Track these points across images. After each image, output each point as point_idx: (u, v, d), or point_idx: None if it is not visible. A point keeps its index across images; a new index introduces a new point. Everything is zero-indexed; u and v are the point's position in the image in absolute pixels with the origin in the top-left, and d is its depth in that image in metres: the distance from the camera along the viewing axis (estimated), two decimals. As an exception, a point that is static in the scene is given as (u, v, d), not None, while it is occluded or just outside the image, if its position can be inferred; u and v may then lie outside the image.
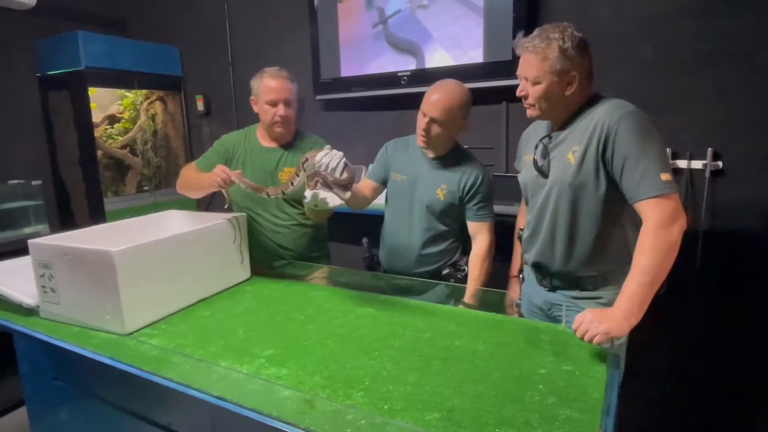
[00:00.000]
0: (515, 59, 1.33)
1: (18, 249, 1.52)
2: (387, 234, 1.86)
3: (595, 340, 1.07)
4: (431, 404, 0.93)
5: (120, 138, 3.38)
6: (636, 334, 1.26)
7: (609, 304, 1.19)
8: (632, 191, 1.19)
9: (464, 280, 1.77)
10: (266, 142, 1.89)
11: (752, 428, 1.98)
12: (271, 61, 3.02)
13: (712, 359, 2.00)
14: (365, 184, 1.87)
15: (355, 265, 2.06)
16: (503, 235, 1.76)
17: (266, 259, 1.87)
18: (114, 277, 1.23)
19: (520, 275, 1.63)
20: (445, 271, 1.77)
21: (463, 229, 1.76)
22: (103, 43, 3.06)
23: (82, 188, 3.17)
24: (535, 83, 1.27)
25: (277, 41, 3.08)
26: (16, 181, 2.93)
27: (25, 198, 2.94)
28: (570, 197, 1.29)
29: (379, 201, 1.91)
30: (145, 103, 3.49)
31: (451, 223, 1.74)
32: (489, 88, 2.28)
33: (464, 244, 1.78)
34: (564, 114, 1.32)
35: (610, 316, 1.10)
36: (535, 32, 1.27)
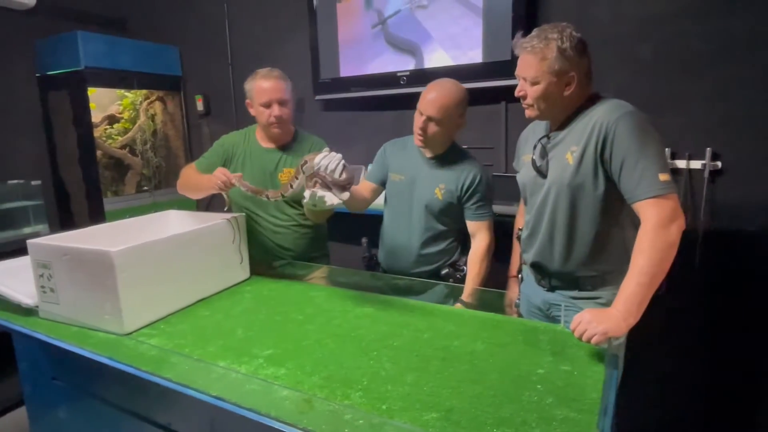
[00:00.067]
0: (514, 59, 1.32)
1: (17, 249, 1.52)
2: (386, 234, 1.86)
3: (593, 341, 1.07)
4: (429, 404, 0.93)
5: (119, 138, 3.38)
6: (635, 334, 1.26)
7: (608, 304, 1.19)
8: (631, 191, 1.19)
9: (463, 280, 1.77)
10: (265, 143, 1.89)
11: (752, 428, 1.98)
12: (271, 60, 3.02)
13: (712, 359, 2.00)
14: (364, 185, 1.87)
15: (354, 265, 2.06)
16: (502, 235, 1.76)
17: (266, 259, 1.88)
18: (113, 277, 1.23)
19: (519, 275, 1.64)
20: (444, 271, 1.77)
21: (462, 228, 1.76)
22: (103, 43, 3.06)
23: (82, 188, 3.17)
24: (534, 83, 1.27)
25: (276, 41, 3.08)
26: (15, 181, 2.94)
27: (25, 198, 2.94)
28: (568, 197, 1.29)
29: (379, 201, 1.91)
30: (145, 103, 3.49)
31: (449, 223, 1.75)
32: (488, 88, 2.28)
33: (463, 244, 1.78)
34: (563, 114, 1.32)
35: (609, 317, 1.10)
36: (534, 32, 1.27)
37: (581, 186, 1.27)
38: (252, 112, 1.85)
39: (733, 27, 1.82)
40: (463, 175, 1.69)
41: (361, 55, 2.70)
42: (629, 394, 1.48)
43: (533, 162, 1.38)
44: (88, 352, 1.19)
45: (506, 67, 2.17)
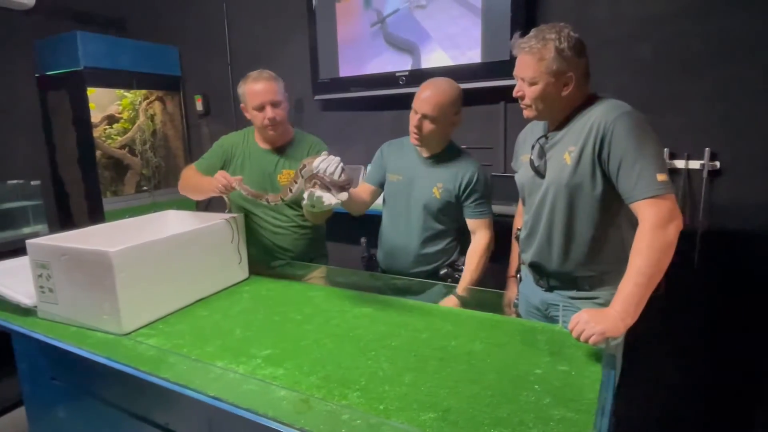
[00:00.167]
0: (513, 59, 1.32)
1: (17, 249, 1.52)
2: (385, 235, 1.87)
3: (591, 341, 1.07)
4: (427, 404, 0.93)
5: (119, 138, 3.38)
6: (634, 335, 1.26)
7: (606, 304, 1.19)
8: (628, 191, 1.19)
9: (462, 280, 1.78)
10: (264, 144, 1.89)
11: (751, 428, 1.98)
12: (270, 60, 3.04)
13: (710, 359, 2.00)
14: (363, 188, 1.87)
15: (353, 265, 2.06)
16: (501, 235, 1.76)
17: (264, 260, 1.88)
18: (111, 277, 1.23)
19: (518, 275, 1.64)
20: (442, 271, 1.77)
21: (461, 228, 1.76)
22: (102, 43, 3.07)
23: (81, 188, 3.17)
24: (532, 84, 1.27)
25: (275, 41, 3.08)
26: (15, 181, 2.94)
27: (24, 198, 2.94)
28: (566, 197, 1.29)
29: (378, 200, 1.91)
30: (144, 103, 3.49)
31: (448, 222, 1.75)
32: (487, 88, 2.29)
33: (462, 243, 1.78)
34: (561, 114, 1.32)
35: (606, 317, 1.10)
36: (532, 33, 1.27)
37: (579, 186, 1.27)
38: (247, 116, 1.84)
39: (732, 27, 1.83)
40: (460, 174, 1.69)
41: (360, 55, 2.70)
42: (628, 394, 1.48)
43: (531, 162, 1.38)
44: (87, 352, 1.19)
45: (505, 67, 2.16)
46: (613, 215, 1.29)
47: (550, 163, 1.33)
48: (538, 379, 1.01)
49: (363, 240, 2.41)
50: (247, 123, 1.97)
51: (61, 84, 3.09)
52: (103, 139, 3.30)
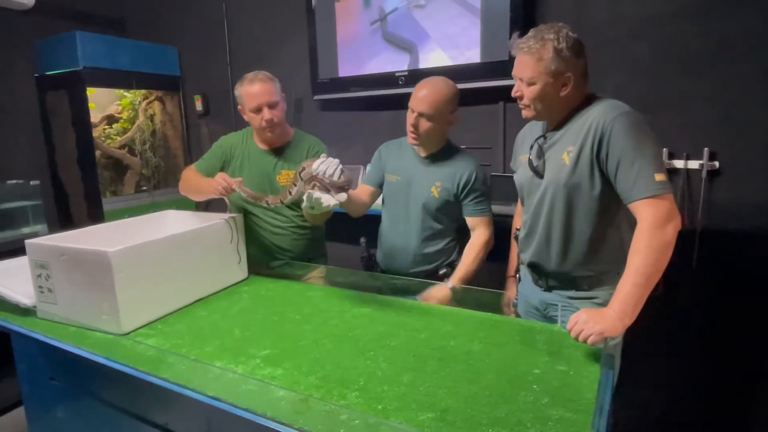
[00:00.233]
0: (512, 59, 1.32)
1: (17, 249, 1.52)
2: (384, 235, 1.87)
3: (589, 341, 1.07)
4: (425, 404, 0.93)
5: (118, 138, 3.38)
6: (632, 335, 1.26)
7: (604, 304, 1.19)
8: (627, 191, 1.19)
9: (462, 280, 1.78)
10: (263, 145, 1.89)
11: (750, 428, 1.98)
12: (270, 60, 3.04)
13: (709, 359, 2.00)
14: (362, 189, 1.87)
15: (353, 265, 2.07)
16: (500, 235, 1.76)
17: (264, 260, 1.88)
18: (110, 277, 1.23)
19: (517, 275, 1.64)
20: (442, 271, 1.77)
21: (460, 228, 1.77)
22: (101, 43, 3.06)
23: (81, 188, 3.17)
24: (530, 84, 1.27)
25: (275, 41, 3.08)
26: (14, 181, 2.93)
27: (24, 198, 2.94)
28: (565, 197, 1.29)
29: (378, 200, 1.92)
30: (144, 103, 3.49)
31: (447, 222, 1.75)
32: (486, 88, 2.29)
33: (461, 243, 1.78)
34: (559, 114, 1.32)
35: (605, 317, 1.10)
36: (530, 33, 1.27)
37: (577, 186, 1.27)
38: (245, 117, 1.84)
39: (731, 27, 1.83)
40: (459, 172, 1.69)
41: (360, 55, 2.70)
42: (626, 394, 1.48)
43: (530, 162, 1.38)
44: (86, 353, 1.19)
45: (504, 67, 2.17)
46: (612, 215, 1.29)
47: (548, 163, 1.33)
48: (536, 379, 1.02)
49: (362, 240, 2.42)
50: (247, 123, 1.97)
51: (60, 84, 3.09)
52: (103, 139, 3.30)
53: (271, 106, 1.76)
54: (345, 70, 2.77)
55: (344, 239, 2.66)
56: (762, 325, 1.89)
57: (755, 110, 1.82)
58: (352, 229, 2.29)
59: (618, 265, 1.20)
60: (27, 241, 1.36)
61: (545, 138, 1.36)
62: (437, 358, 1.12)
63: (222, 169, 1.88)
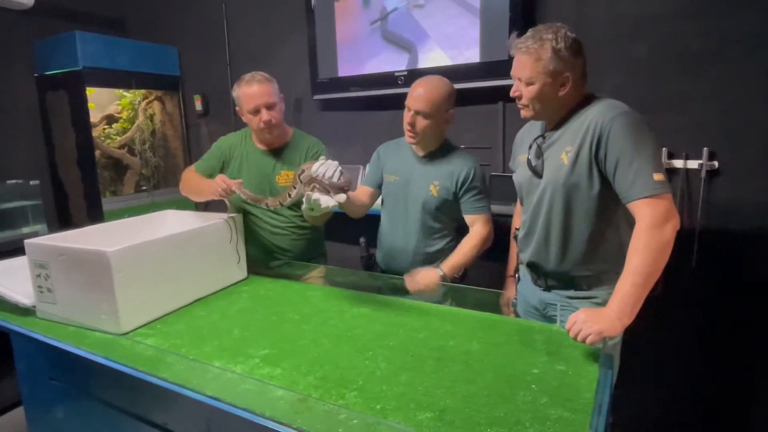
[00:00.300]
0: (512, 59, 1.32)
1: (16, 249, 1.52)
2: (384, 235, 1.87)
3: (588, 340, 1.07)
4: (423, 404, 0.94)
5: (118, 138, 3.38)
6: (631, 334, 1.27)
7: (603, 303, 1.19)
8: (625, 191, 1.19)
9: (461, 280, 1.78)
10: (262, 145, 1.88)
11: (749, 428, 1.98)
12: (269, 60, 3.04)
13: (708, 359, 2.00)
14: (362, 190, 1.88)
15: (353, 265, 2.07)
16: (500, 234, 1.76)
17: (263, 260, 1.88)
18: (110, 277, 1.23)
19: (516, 275, 1.64)
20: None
21: (459, 227, 1.77)
22: (101, 43, 3.06)
23: (80, 188, 3.17)
24: (529, 84, 1.27)
25: (274, 41, 3.08)
26: (14, 181, 2.93)
27: (23, 198, 2.94)
28: (564, 197, 1.29)
29: (378, 201, 1.92)
30: (144, 103, 3.49)
31: (446, 221, 1.75)
32: (486, 87, 2.29)
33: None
34: (558, 114, 1.32)
35: (603, 316, 1.10)
36: (529, 33, 1.27)
37: (576, 186, 1.27)
38: (243, 119, 1.84)
39: (731, 27, 1.83)
40: (457, 171, 1.69)
41: (359, 55, 2.70)
42: (625, 393, 1.48)
43: (529, 162, 1.38)
44: (85, 352, 1.19)
45: (504, 67, 2.16)
46: (611, 215, 1.29)
47: (547, 163, 1.33)
48: (535, 379, 1.02)
49: (362, 240, 2.42)
50: (245, 123, 1.98)
51: (60, 84, 3.09)
52: (102, 138, 3.30)
53: (269, 107, 1.75)
54: (344, 69, 2.77)
55: (344, 239, 2.66)
56: (761, 325, 1.89)
57: (755, 110, 1.82)
58: (352, 229, 2.29)
59: (617, 265, 1.20)
60: (26, 241, 1.36)
61: (544, 138, 1.36)
62: (436, 357, 1.12)
63: (221, 170, 1.88)
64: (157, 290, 1.37)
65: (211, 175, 1.86)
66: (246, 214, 1.85)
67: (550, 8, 2.18)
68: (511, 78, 1.34)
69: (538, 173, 1.35)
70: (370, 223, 1.99)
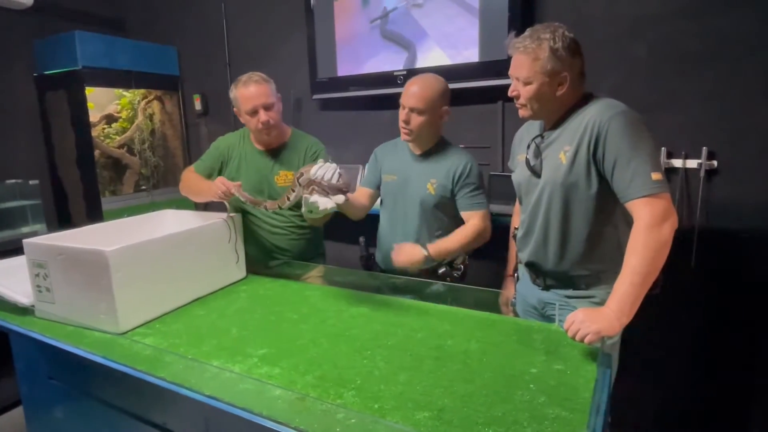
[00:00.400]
0: (510, 59, 1.32)
1: (16, 248, 1.52)
2: (383, 236, 1.87)
3: (586, 340, 1.07)
4: (421, 403, 0.94)
5: (117, 137, 3.38)
6: (630, 334, 1.27)
7: (602, 303, 1.19)
8: (623, 190, 1.19)
9: (461, 279, 1.78)
10: (260, 146, 1.88)
11: (748, 428, 1.98)
12: (269, 60, 3.04)
13: (708, 359, 2.00)
14: (361, 192, 1.88)
15: (352, 265, 2.06)
16: (499, 234, 1.76)
17: (262, 259, 1.88)
18: (108, 276, 1.23)
19: (515, 274, 1.64)
20: (441, 270, 1.77)
21: (458, 226, 1.76)
22: (101, 43, 3.06)
23: (80, 188, 3.17)
24: (527, 83, 1.27)
25: (274, 40, 3.08)
26: (13, 181, 2.93)
27: (23, 197, 2.94)
28: (562, 197, 1.29)
29: (377, 201, 1.92)
30: (143, 103, 3.49)
31: (445, 219, 1.75)
32: (485, 87, 2.28)
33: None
34: (556, 114, 1.32)
35: (602, 316, 1.10)
36: (527, 32, 1.27)
37: (574, 185, 1.27)
38: (241, 120, 1.83)
39: (730, 27, 1.82)
40: (453, 167, 1.70)
41: (358, 54, 2.70)
42: (623, 393, 1.48)
43: (527, 161, 1.38)
44: (84, 352, 1.19)
45: (503, 67, 2.13)
46: (609, 214, 1.29)
47: (545, 163, 1.33)
48: (533, 379, 1.02)
49: (361, 239, 2.41)
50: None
51: (59, 83, 3.08)
52: (102, 138, 3.30)
53: (267, 107, 1.75)
54: (344, 69, 2.76)
55: (343, 239, 2.66)
56: (760, 325, 1.89)
57: (754, 109, 1.82)
58: (351, 228, 2.29)
59: (615, 264, 1.20)
60: (25, 241, 1.36)
61: (542, 137, 1.36)
62: (434, 357, 1.12)
63: (220, 170, 1.88)
64: (156, 290, 1.38)
65: (210, 176, 1.86)
66: (245, 214, 1.85)
67: (549, 8, 2.17)
68: (510, 77, 1.34)
69: (536, 173, 1.35)
70: (370, 222, 1.99)
